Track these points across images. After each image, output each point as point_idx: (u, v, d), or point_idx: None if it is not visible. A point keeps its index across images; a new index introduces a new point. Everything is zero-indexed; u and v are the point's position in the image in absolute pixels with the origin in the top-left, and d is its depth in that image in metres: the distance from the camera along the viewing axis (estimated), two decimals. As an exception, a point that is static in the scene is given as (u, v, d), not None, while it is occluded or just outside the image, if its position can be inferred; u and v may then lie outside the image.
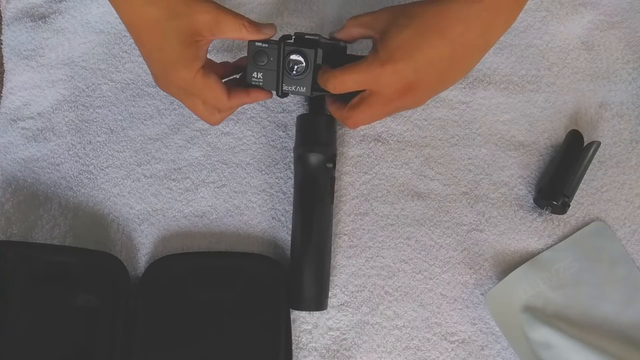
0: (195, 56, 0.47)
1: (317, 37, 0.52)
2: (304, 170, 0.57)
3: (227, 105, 0.52)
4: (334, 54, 0.53)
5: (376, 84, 0.48)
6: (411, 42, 0.46)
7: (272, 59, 0.52)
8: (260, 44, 0.51)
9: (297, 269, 0.57)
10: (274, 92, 0.54)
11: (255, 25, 0.49)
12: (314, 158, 0.57)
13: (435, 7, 0.46)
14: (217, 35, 0.47)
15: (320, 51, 0.52)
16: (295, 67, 0.52)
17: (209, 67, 0.50)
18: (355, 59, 0.51)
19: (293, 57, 0.51)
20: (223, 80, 0.51)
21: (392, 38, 0.47)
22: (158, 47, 0.47)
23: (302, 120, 0.59)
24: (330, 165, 0.57)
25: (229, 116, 0.56)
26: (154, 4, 0.45)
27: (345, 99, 0.52)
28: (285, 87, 0.53)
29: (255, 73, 0.52)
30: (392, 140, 0.63)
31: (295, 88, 0.53)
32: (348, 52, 0.55)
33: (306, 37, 0.52)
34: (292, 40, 0.52)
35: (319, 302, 0.57)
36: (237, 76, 0.55)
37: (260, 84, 0.53)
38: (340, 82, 0.49)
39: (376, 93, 0.49)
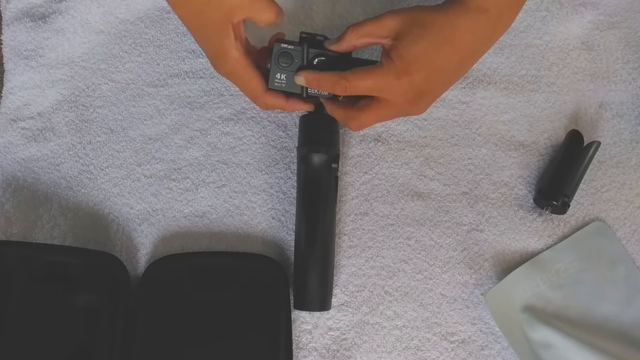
0: (231, 45, 0.49)
1: (322, 38, 0.52)
2: (309, 171, 0.57)
3: (263, 100, 0.53)
4: (340, 57, 0.52)
5: (388, 93, 0.48)
6: (427, 53, 0.47)
7: (296, 60, 0.51)
8: (285, 45, 0.51)
9: (302, 269, 0.57)
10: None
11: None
12: (319, 158, 0.56)
13: (446, 18, 0.47)
14: (249, 14, 0.48)
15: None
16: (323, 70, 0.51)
17: (252, 58, 0.51)
18: (363, 63, 0.50)
19: (319, 59, 0.51)
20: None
21: (408, 48, 0.47)
22: (202, 38, 0.50)
23: (305, 121, 0.59)
24: (335, 165, 0.57)
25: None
26: None
27: (346, 100, 0.52)
28: (310, 90, 0.52)
29: (279, 75, 0.52)
30: (392, 140, 0.63)
31: (320, 91, 0.52)
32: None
33: (308, 35, 0.52)
34: (307, 36, 0.52)
35: (323, 302, 0.57)
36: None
37: (283, 86, 0.52)
38: (353, 86, 0.49)
39: (386, 100, 0.49)
